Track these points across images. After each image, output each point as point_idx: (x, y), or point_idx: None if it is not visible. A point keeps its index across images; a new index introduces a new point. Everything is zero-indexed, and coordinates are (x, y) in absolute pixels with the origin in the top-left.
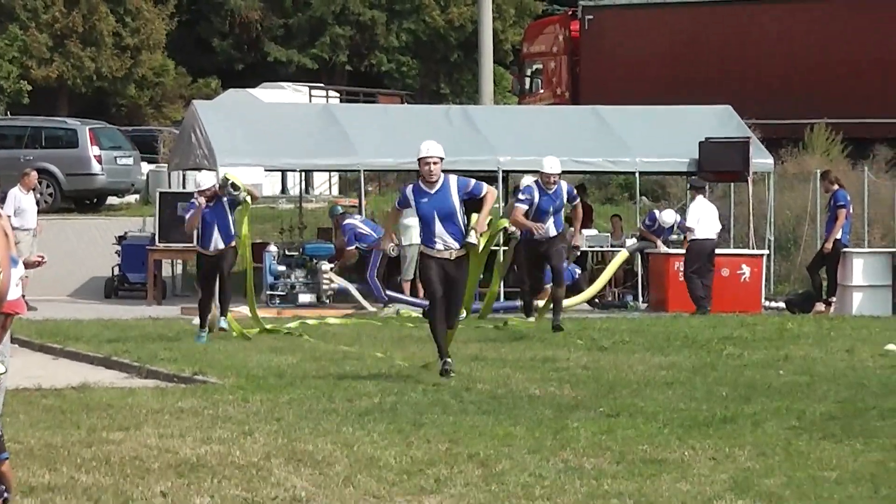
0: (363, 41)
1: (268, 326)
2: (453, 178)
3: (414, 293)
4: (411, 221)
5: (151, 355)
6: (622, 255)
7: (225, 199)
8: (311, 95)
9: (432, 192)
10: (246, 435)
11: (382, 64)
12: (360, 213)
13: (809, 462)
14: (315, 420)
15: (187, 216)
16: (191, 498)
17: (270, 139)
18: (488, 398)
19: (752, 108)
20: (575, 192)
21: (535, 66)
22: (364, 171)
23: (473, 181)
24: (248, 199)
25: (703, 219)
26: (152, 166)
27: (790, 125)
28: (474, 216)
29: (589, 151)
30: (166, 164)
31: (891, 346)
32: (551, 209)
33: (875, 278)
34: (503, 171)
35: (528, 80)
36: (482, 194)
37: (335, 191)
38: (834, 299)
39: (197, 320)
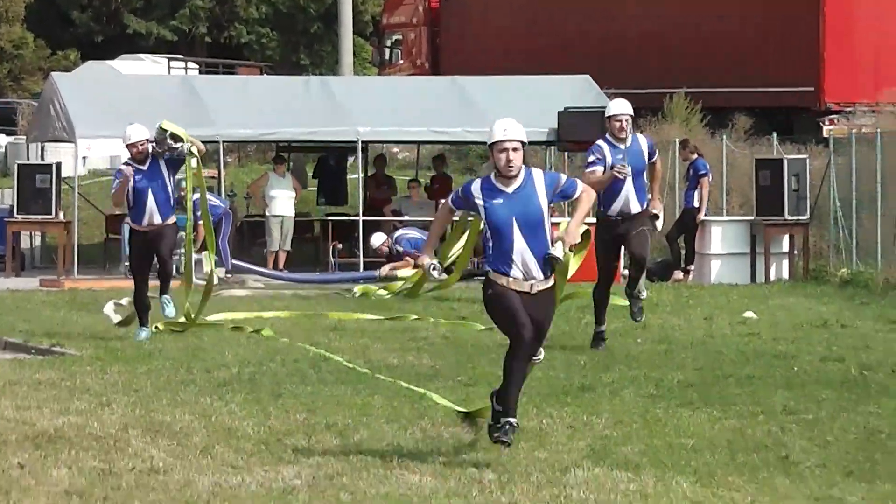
0: (223, 13)
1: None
2: (538, 173)
3: (276, 265)
4: (276, 193)
5: (9, 327)
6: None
7: (163, 157)
8: (169, 67)
9: (510, 189)
10: (104, 406)
11: (242, 35)
12: (219, 183)
13: (667, 429)
14: (173, 391)
15: (113, 185)
16: (48, 469)
17: (129, 111)
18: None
19: (611, 78)
20: (655, 146)
21: (394, 37)
22: (223, 142)
23: (564, 176)
24: (195, 150)
25: None
26: (11, 138)
27: (649, 94)
28: (563, 222)
29: (448, 121)
30: (25, 136)
31: (749, 314)
32: (630, 169)
33: (733, 246)
34: (363, 142)
35: (387, 51)
36: (576, 195)
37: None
38: (692, 267)
39: (116, 315)
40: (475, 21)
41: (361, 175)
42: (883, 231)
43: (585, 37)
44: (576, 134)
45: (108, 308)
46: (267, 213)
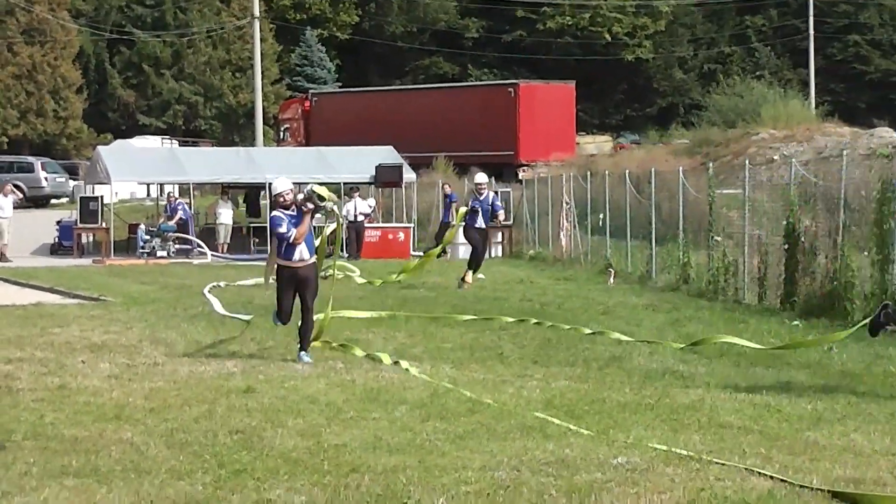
0: (192, 114)
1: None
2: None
3: (221, 251)
4: (222, 210)
5: (75, 286)
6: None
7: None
8: (162, 142)
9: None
10: (128, 329)
11: (202, 125)
12: (190, 205)
13: (437, 339)
14: (167, 318)
15: (286, 229)
16: (98, 363)
17: (141, 168)
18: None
19: (404, 147)
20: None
21: (285, 126)
22: (192, 183)
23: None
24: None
25: (358, 207)
26: (76, 182)
27: (424, 157)
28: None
29: (312, 171)
30: (83, 181)
31: (480, 276)
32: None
33: None
34: (268, 183)
35: (282, 134)
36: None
37: (176, 191)
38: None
39: (213, 298)
40: (328, 116)
41: (267, 202)
42: (551, 230)
43: (390, 123)
44: (385, 177)
45: (207, 292)
46: (216, 222)
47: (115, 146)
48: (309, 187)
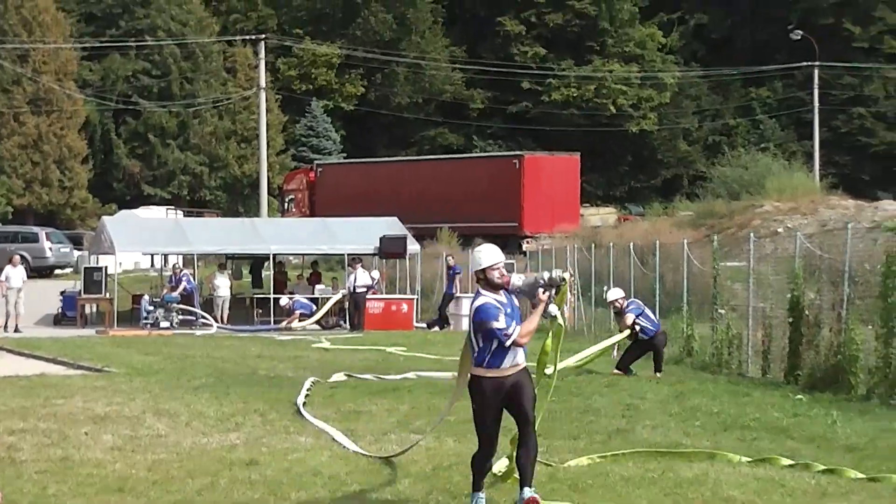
0: (196, 183)
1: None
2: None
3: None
4: (220, 282)
5: (79, 356)
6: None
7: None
8: (167, 212)
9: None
10: (131, 400)
11: (206, 196)
12: (194, 275)
13: None
14: (170, 389)
15: (515, 325)
16: (100, 435)
17: (146, 237)
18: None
19: (408, 218)
20: None
21: (289, 197)
22: (196, 254)
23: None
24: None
25: (360, 278)
26: (80, 252)
27: (429, 228)
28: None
29: (319, 242)
30: (87, 251)
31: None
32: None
33: None
34: (273, 254)
35: (286, 205)
36: None
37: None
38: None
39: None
40: (333, 187)
41: (271, 272)
42: None
43: (395, 194)
44: (389, 248)
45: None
46: (214, 294)
47: (119, 216)
48: (556, 273)
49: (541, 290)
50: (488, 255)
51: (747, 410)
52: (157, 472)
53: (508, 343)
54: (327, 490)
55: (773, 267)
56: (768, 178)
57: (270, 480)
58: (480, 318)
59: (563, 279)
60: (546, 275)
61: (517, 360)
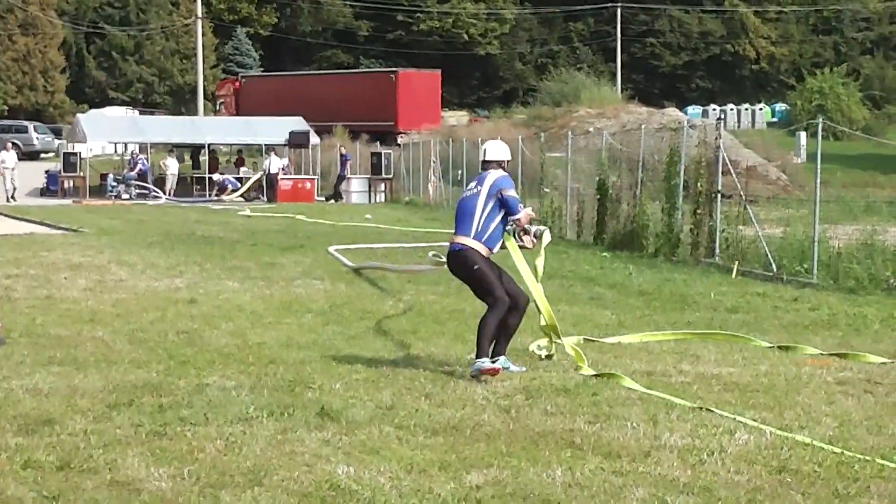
0: (147, 91)
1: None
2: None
3: (169, 195)
4: (169, 163)
5: (60, 220)
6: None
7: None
8: (126, 112)
9: None
10: (99, 253)
11: (157, 100)
12: (147, 158)
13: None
14: (129, 245)
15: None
16: (77, 279)
17: (111, 132)
18: None
19: (310, 118)
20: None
21: (220, 101)
22: (149, 143)
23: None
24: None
25: (274, 163)
26: (60, 141)
27: (326, 125)
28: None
29: (242, 135)
30: (65, 140)
31: (368, 216)
32: None
33: (363, 187)
34: (207, 144)
35: (218, 106)
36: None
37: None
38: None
39: None
40: (254, 94)
41: (207, 157)
42: (421, 182)
43: (300, 100)
44: (297, 140)
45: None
46: (166, 173)
47: (90, 114)
48: (542, 230)
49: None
50: (507, 150)
51: (565, 265)
52: (119, 308)
53: (518, 216)
54: (249, 322)
55: (586, 157)
56: (583, 91)
57: (206, 314)
58: (506, 184)
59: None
60: (534, 229)
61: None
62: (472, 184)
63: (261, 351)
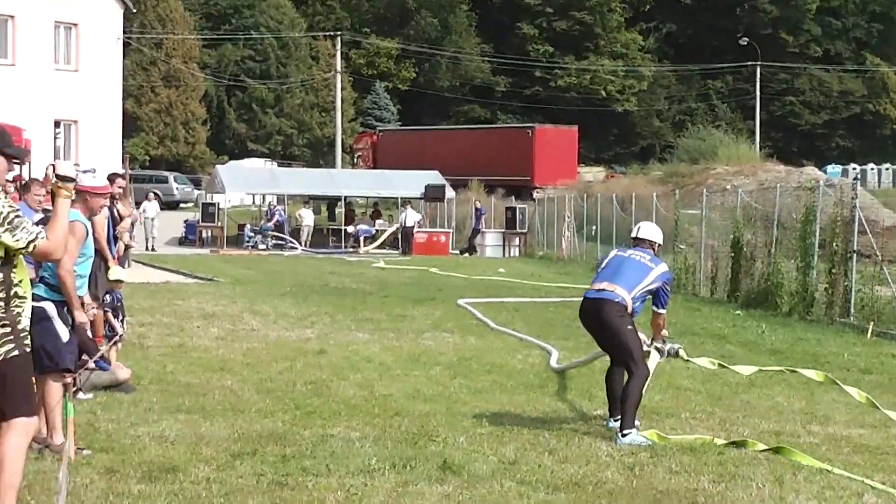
0: (286, 142)
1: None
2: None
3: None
4: (305, 213)
5: (195, 269)
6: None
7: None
8: (265, 164)
9: None
10: (233, 302)
11: (295, 153)
12: (283, 207)
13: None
14: (263, 295)
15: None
16: (209, 328)
17: (249, 182)
18: None
19: (446, 172)
20: None
21: (358, 154)
22: (286, 195)
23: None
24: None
25: (410, 216)
26: (199, 192)
27: (462, 179)
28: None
29: (378, 188)
30: (205, 190)
31: (501, 270)
32: None
33: (496, 241)
34: (344, 196)
35: (356, 159)
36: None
37: (275, 201)
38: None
39: None
40: (391, 147)
41: (343, 209)
42: (556, 237)
43: (437, 154)
44: (432, 193)
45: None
46: (301, 224)
47: (229, 165)
48: (677, 348)
49: (665, 351)
50: (660, 234)
51: (698, 321)
52: (249, 357)
53: (664, 310)
54: (377, 373)
55: (721, 214)
56: (720, 148)
57: (334, 365)
58: (670, 279)
59: (678, 353)
60: (668, 347)
61: None
62: (638, 251)
63: (387, 403)
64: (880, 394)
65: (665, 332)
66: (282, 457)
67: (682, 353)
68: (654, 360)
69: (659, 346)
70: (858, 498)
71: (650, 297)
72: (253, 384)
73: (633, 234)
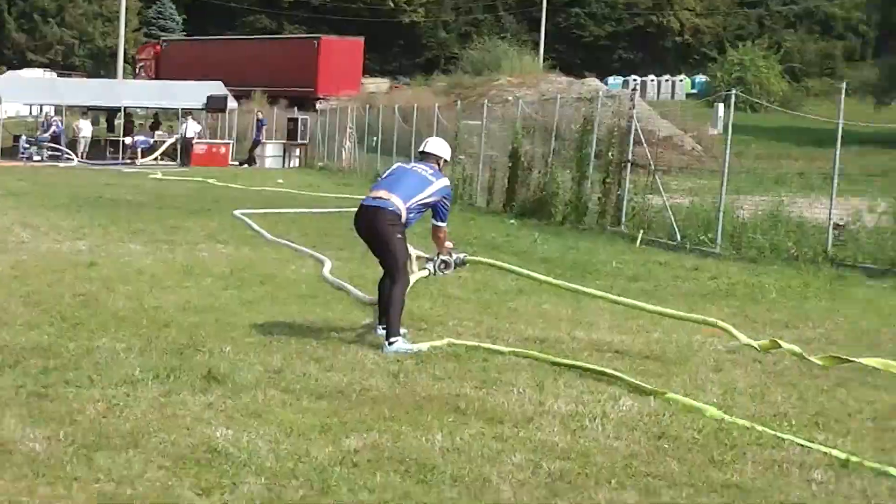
0: (66, 53)
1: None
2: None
3: (82, 157)
4: (83, 125)
5: None
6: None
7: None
8: (44, 74)
9: None
10: (3, 214)
11: (76, 63)
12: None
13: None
14: (36, 207)
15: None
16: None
17: (25, 92)
18: None
19: (229, 82)
20: None
21: (141, 64)
22: (66, 105)
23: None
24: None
25: (190, 127)
26: None
27: (245, 90)
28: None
29: (159, 98)
30: None
31: (279, 179)
32: None
33: (276, 151)
34: (124, 107)
35: (138, 70)
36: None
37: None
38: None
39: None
40: (174, 58)
41: (122, 121)
42: (336, 148)
43: (221, 64)
44: (214, 104)
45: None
46: (78, 135)
47: (7, 76)
48: (462, 257)
49: (452, 263)
50: (449, 150)
51: (472, 231)
52: (18, 270)
53: (444, 223)
54: (147, 285)
55: (501, 125)
56: (504, 60)
57: (104, 277)
58: (450, 195)
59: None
60: (455, 256)
61: None
62: (421, 165)
63: (156, 314)
64: (646, 300)
65: (449, 244)
66: (44, 369)
67: (466, 258)
68: (421, 273)
69: (445, 258)
70: (615, 402)
71: (429, 210)
72: (20, 297)
73: (420, 149)
